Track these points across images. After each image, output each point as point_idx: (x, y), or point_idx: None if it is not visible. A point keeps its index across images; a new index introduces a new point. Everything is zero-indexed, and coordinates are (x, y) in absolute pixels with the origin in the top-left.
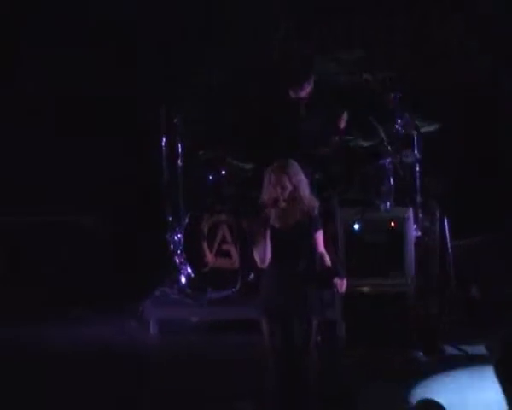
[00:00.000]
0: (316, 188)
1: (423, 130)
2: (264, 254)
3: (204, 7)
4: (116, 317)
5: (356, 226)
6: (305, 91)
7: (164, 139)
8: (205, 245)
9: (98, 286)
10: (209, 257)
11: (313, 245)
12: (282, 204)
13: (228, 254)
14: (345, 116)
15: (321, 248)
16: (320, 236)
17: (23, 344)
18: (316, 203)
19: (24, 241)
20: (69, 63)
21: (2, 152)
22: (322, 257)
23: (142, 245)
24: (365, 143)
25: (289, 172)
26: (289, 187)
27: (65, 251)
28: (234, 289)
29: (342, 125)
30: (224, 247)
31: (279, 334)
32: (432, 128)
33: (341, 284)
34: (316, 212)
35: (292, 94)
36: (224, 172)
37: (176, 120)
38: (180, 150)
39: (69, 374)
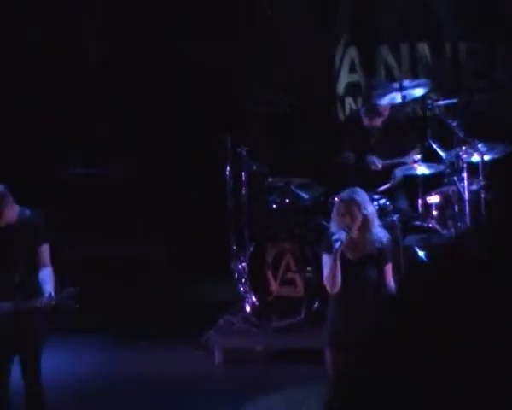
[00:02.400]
0: (380, 216)
1: (489, 157)
2: (332, 281)
3: (268, 35)
4: (181, 346)
5: (420, 254)
6: (380, 120)
7: (228, 168)
8: (269, 274)
9: (164, 316)
10: (273, 286)
11: (382, 277)
12: (353, 233)
13: (292, 283)
14: (416, 150)
15: (389, 281)
16: (389, 269)
17: (95, 373)
18: (385, 234)
19: (94, 272)
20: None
21: None
22: (390, 291)
23: (206, 274)
24: (429, 171)
25: (359, 202)
26: (359, 216)
27: (132, 282)
28: (299, 318)
29: (411, 158)
30: (289, 275)
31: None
32: (497, 155)
33: None
34: (385, 243)
35: (365, 121)
36: (287, 200)
37: (240, 149)
38: (244, 179)
39: (137, 402)
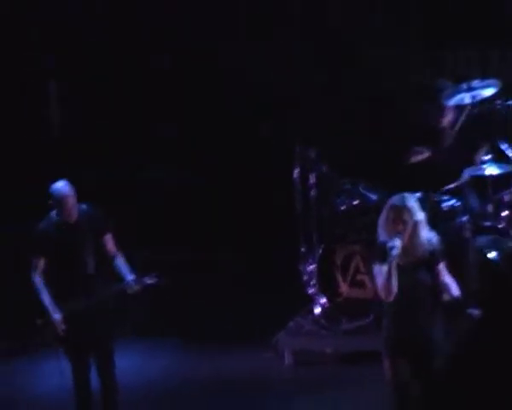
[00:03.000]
0: (449, 216)
1: None
2: (388, 289)
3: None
4: (251, 349)
5: (491, 255)
6: (447, 119)
7: (297, 170)
8: (339, 276)
9: (234, 318)
10: (343, 287)
11: (436, 278)
12: (404, 238)
13: (362, 285)
14: (484, 150)
15: (445, 278)
16: (443, 268)
17: (165, 375)
18: (434, 236)
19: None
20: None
21: None
22: (447, 287)
23: (276, 276)
24: (498, 171)
25: (410, 208)
26: (410, 223)
27: (201, 285)
28: (368, 320)
29: (479, 158)
30: (358, 277)
31: (402, 372)
32: None
33: (476, 315)
34: (435, 245)
35: (435, 121)
36: (356, 201)
37: (309, 151)
38: (313, 181)
39: (207, 405)
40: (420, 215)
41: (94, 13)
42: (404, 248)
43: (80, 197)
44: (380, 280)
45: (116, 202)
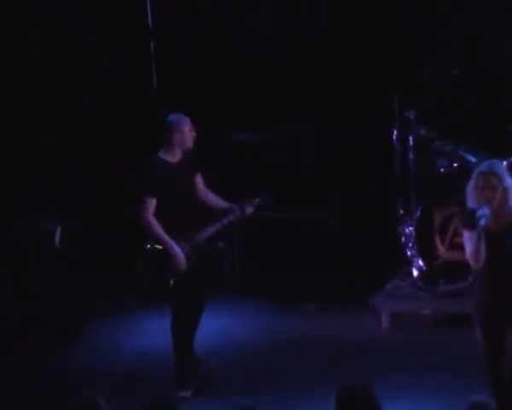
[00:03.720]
0: None
1: None
2: (477, 257)
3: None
4: (348, 311)
5: None
6: None
7: (395, 132)
8: (437, 238)
9: (329, 280)
10: (441, 250)
11: None
12: (493, 205)
13: (460, 247)
14: None
15: None
16: None
17: (256, 336)
18: None
19: (258, 236)
20: None
21: None
22: None
23: (373, 238)
24: None
25: (499, 174)
26: (499, 189)
27: (297, 245)
28: (466, 282)
29: None
30: (457, 239)
31: (493, 336)
32: None
33: None
34: None
35: None
36: (455, 164)
37: (407, 113)
38: (411, 143)
39: (300, 366)
40: (508, 181)
41: None
42: (494, 215)
43: None
44: (469, 247)
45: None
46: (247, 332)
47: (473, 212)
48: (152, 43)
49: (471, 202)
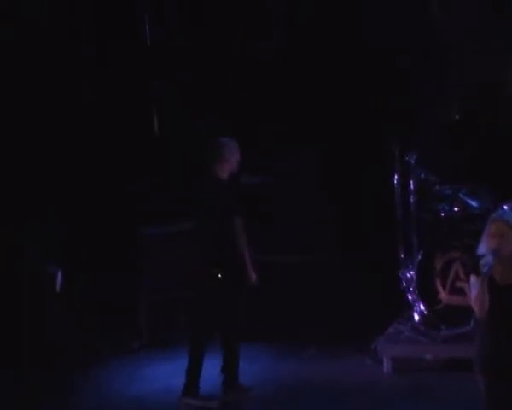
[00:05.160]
0: None
1: None
2: (479, 305)
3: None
4: (350, 354)
5: None
6: None
7: (396, 176)
8: (438, 282)
9: (331, 324)
10: (442, 294)
11: None
12: (502, 256)
13: (461, 292)
14: None
15: None
16: None
17: (260, 381)
18: None
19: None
20: None
21: None
22: None
23: (375, 282)
24: None
25: (509, 221)
26: (509, 238)
27: (297, 288)
28: (468, 327)
29: None
30: (458, 284)
31: (495, 389)
32: None
33: None
34: None
35: None
36: (456, 208)
37: (408, 157)
38: (412, 187)
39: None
40: None
41: None
42: (503, 266)
43: None
44: (473, 293)
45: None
46: (248, 377)
47: (479, 258)
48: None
49: (482, 249)
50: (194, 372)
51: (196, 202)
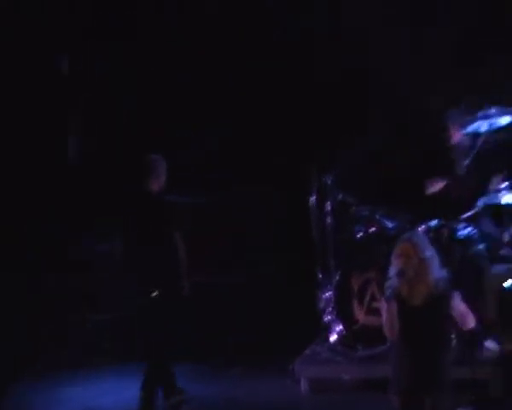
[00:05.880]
0: (466, 245)
1: None
2: (387, 327)
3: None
4: (269, 375)
5: (507, 283)
6: (462, 146)
7: (313, 197)
8: (355, 303)
9: (250, 345)
10: (359, 315)
11: (454, 315)
12: (408, 278)
13: (378, 312)
14: (499, 179)
15: (460, 309)
16: (455, 300)
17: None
18: (444, 275)
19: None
20: None
21: None
22: (463, 318)
23: (292, 303)
24: None
25: (415, 244)
26: (415, 258)
27: (221, 310)
28: (384, 347)
29: (493, 187)
30: (374, 304)
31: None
32: None
33: (490, 350)
34: (446, 285)
35: (450, 149)
36: (372, 229)
37: (325, 178)
38: (329, 208)
39: None
40: (428, 253)
41: None
42: (410, 286)
43: None
44: (383, 316)
45: None
46: None
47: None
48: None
49: (391, 271)
50: (168, 376)
51: (130, 218)
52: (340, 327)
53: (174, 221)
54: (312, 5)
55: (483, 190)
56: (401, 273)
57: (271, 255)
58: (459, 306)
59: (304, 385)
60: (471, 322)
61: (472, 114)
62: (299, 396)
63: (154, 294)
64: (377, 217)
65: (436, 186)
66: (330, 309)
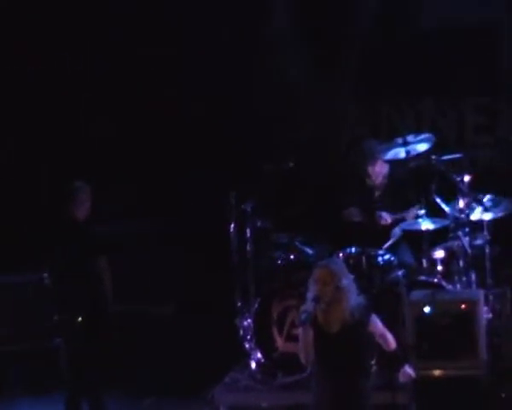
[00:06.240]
0: (385, 271)
1: (493, 215)
2: (302, 354)
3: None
4: (187, 403)
5: (426, 309)
6: (380, 174)
7: (233, 224)
8: (275, 330)
9: (168, 374)
10: (279, 342)
11: (368, 340)
12: (324, 304)
13: (298, 339)
14: (415, 210)
15: (380, 330)
16: (374, 324)
17: None
18: (362, 301)
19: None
20: None
21: None
22: (384, 339)
23: (211, 331)
24: (434, 226)
25: (332, 271)
26: (331, 284)
27: (135, 338)
28: (304, 374)
29: (411, 216)
30: (294, 331)
31: None
32: (502, 212)
33: (407, 375)
34: (363, 312)
35: (368, 177)
36: (292, 256)
37: (244, 206)
38: (249, 235)
39: None
40: (346, 280)
41: None
42: (326, 314)
43: None
44: (300, 342)
45: None
46: None
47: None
48: None
49: (308, 296)
50: None
51: (54, 246)
52: (259, 354)
53: (98, 247)
54: None
55: (401, 217)
56: (317, 299)
57: (190, 283)
58: (379, 327)
59: None
60: (392, 342)
61: (388, 143)
62: None
63: (79, 319)
64: (297, 244)
65: (354, 215)
66: (250, 336)
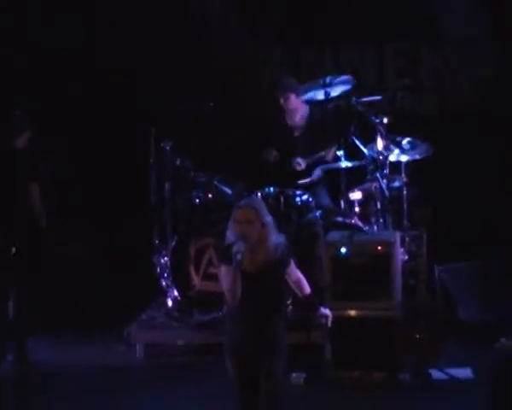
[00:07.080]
0: (303, 211)
1: (411, 157)
2: (233, 293)
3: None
4: (103, 340)
5: (343, 250)
6: (294, 112)
7: (151, 162)
8: (192, 268)
9: (86, 309)
10: (196, 280)
11: (290, 279)
12: (251, 243)
13: (214, 278)
14: (335, 150)
15: (296, 276)
16: (292, 267)
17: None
18: (283, 240)
19: None
20: None
21: None
22: (299, 285)
23: (128, 268)
24: (350, 164)
25: (257, 209)
26: (256, 222)
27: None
28: (220, 313)
29: (330, 157)
30: (211, 270)
31: (244, 377)
32: (419, 155)
33: (324, 315)
34: (284, 249)
35: (287, 118)
36: (210, 195)
37: (163, 144)
38: (167, 173)
39: (59, 396)
40: (268, 218)
41: None
42: (252, 253)
43: None
44: (225, 282)
45: None
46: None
47: (229, 246)
48: None
49: (230, 237)
50: None
51: None
52: (176, 292)
53: (29, 172)
54: None
55: (319, 157)
56: (244, 239)
57: (106, 220)
58: (294, 272)
59: (139, 350)
60: (306, 288)
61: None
62: (134, 361)
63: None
64: (215, 183)
65: (271, 155)
66: (166, 274)
